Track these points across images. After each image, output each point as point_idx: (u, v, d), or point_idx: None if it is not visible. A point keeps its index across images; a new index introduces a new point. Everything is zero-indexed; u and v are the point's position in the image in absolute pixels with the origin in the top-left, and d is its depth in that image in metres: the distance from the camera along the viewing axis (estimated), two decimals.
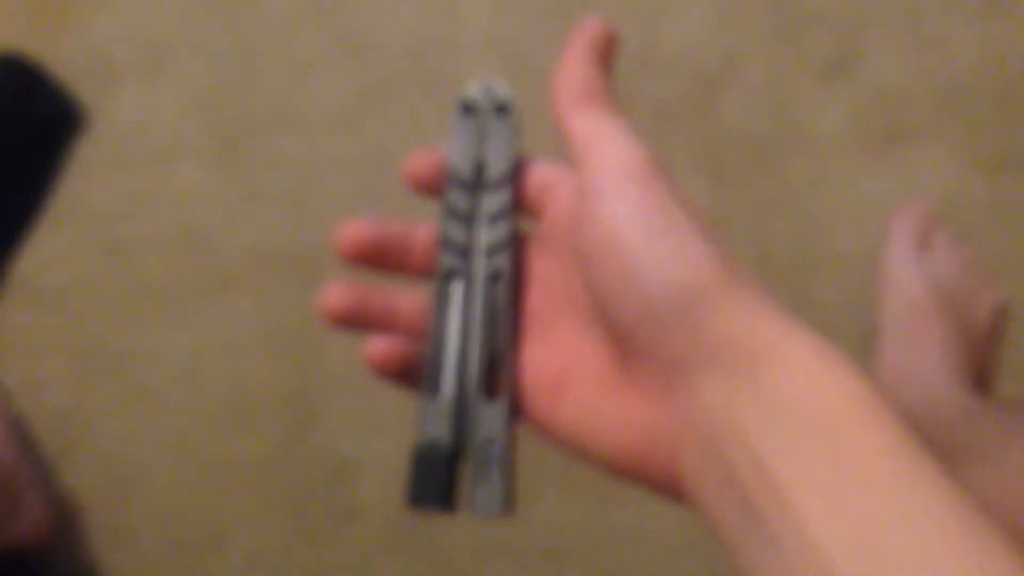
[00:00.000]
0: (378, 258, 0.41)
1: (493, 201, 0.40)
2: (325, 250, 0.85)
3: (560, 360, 0.39)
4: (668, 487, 0.34)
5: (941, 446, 0.63)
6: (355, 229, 0.40)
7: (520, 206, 0.41)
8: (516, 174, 0.41)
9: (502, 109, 0.41)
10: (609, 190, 0.35)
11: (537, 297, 0.40)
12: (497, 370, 0.40)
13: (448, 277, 0.40)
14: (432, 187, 0.41)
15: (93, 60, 0.90)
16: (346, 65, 0.88)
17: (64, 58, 0.90)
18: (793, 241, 0.85)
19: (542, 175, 0.41)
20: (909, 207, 0.77)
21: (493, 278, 0.40)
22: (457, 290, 0.40)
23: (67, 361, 0.87)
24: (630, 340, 0.34)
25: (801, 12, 0.86)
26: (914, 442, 0.29)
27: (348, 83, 0.88)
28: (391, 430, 0.84)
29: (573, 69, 0.38)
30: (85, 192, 0.89)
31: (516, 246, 0.41)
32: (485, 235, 0.40)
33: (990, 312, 0.74)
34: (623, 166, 0.35)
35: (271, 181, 0.88)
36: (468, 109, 0.41)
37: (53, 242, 0.88)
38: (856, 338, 0.83)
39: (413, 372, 0.41)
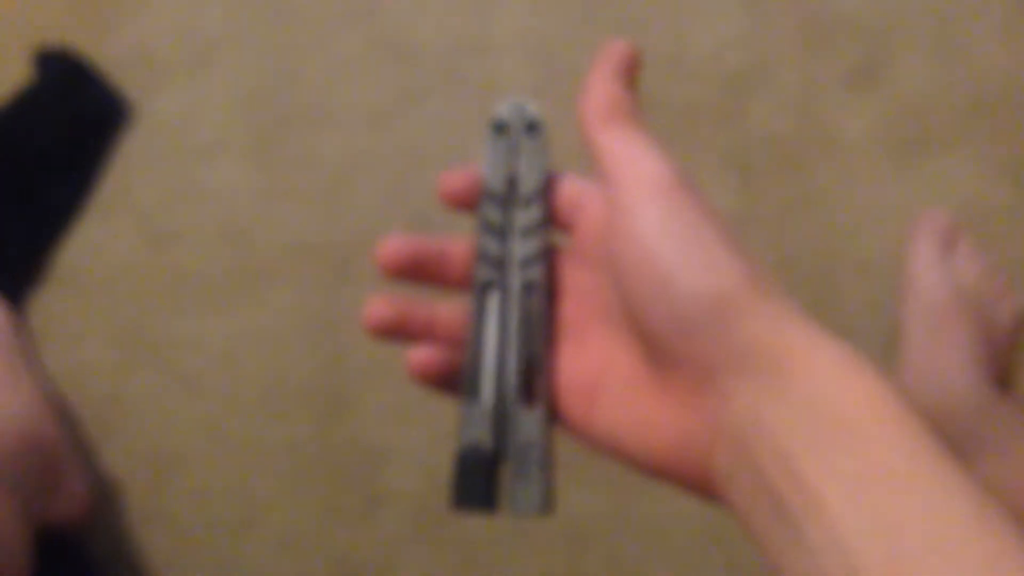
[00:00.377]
0: (417, 272, 0.42)
1: (526, 216, 0.42)
2: (359, 245, 0.87)
3: (594, 367, 0.40)
4: (700, 486, 0.35)
5: (960, 438, 0.64)
6: (394, 245, 0.42)
7: (552, 220, 0.42)
8: (547, 189, 0.42)
9: (532, 128, 0.42)
10: (638, 206, 0.36)
11: (570, 307, 0.41)
12: (534, 377, 0.41)
13: (484, 289, 0.41)
14: (466, 203, 0.42)
15: (138, 57, 0.91)
16: (383, 66, 0.90)
17: (110, 55, 0.92)
18: (818, 245, 0.85)
19: (572, 190, 0.42)
20: (933, 214, 0.78)
21: (527, 289, 0.41)
22: (493, 301, 0.41)
23: (109, 348, 0.88)
24: (662, 347, 0.35)
25: (830, 19, 0.87)
26: (935, 441, 0.30)
27: (385, 83, 0.89)
28: (420, 420, 0.85)
29: (600, 89, 0.39)
30: (128, 184, 0.90)
31: (549, 258, 0.42)
32: (519, 248, 0.41)
33: (1012, 316, 0.74)
34: (651, 182, 0.36)
35: (309, 177, 0.89)
36: (500, 128, 0.43)
37: (97, 232, 0.90)
38: (880, 339, 0.83)
39: (453, 379, 0.42)
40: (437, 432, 0.85)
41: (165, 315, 0.88)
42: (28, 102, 0.90)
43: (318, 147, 0.89)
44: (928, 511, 0.28)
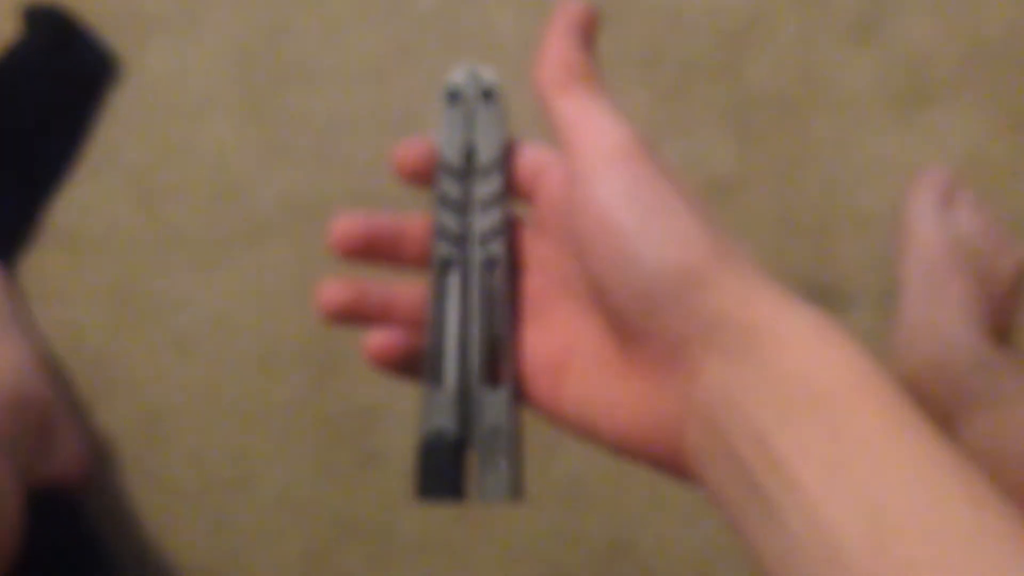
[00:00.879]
0: (372, 251, 0.40)
1: (485, 187, 0.39)
2: (353, 203, 0.86)
3: (560, 343, 0.38)
4: (673, 465, 0.34)
5: (956, 391, 0.63)
6: (346, 224, 0.40)
7: (512, 191, 0.40)
8: (506, 159, 0.40)
9: (488, 94, 0.40)
10: (598, 173, 0.34)
11: (534, 282, 0.40)
12: (498, 357, 0.39)
13: (444, 266, 0.39)
14: (422, 177, 0.40)
15: (127, 12, 0.90)
16: (376, 21, 0.88)
17: (99, 10, 0.90)
18: (817, 199, 0.84)
19: (533, 159, 0.40)
20: (933, 167, 0.77)
21: (489, 265, 0.39)
22: (454, 279, 0.39)
23: (103, 307, 0.87)
24: (628, 322, 0.34)
25: None
26: (913, 411, 0.28)
27: (378, 39, 0.88)
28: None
29: (555, 50, 0.37)
30: (119, 142, 0.89)
31: (510, 232, 0.40)
32: (478, 222, 0.39)
33: (1012, 270, 0.73)
34: (610, 148, 0.34)
35: (301, 133, 0.88)
36: (454, 96, 0.40)
37: (89, 190, 0.89)
38: (878, 293, 0.83)
39: (414, 363, 0.40)
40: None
41: (158, 274, 0.87)
42: (16, 59, 0.89)
43: (311, 104, 0.88)
44: (908, 485, 0.27)
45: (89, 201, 0.88)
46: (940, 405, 0.63)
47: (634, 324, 0.33)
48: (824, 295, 0.83)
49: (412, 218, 0.40)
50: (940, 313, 0.68)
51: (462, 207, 0.40)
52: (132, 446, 0.87)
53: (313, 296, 0.89)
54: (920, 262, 0.72)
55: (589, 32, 0.38)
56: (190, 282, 0.87)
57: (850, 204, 0.84)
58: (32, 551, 0.64)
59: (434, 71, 0.89)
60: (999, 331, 0.70)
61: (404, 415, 0.85)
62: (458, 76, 0.41)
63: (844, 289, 0.83)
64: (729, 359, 0.31)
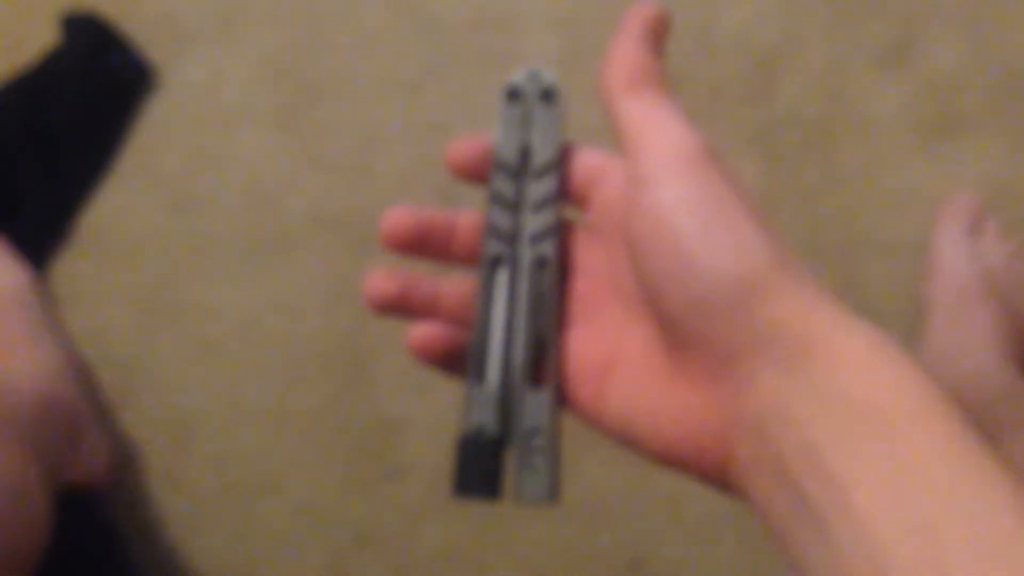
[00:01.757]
0: (422, 245, 0.40)
1: (539, 188, 0.39)
2: (382, 215, 0.87)
3: (606, 348, 0.38)
4: (717, 477, 0.33)
5: (980, 419, 0.64)
6: (398, 216, 0.39)
7: (566, 193, 0.40)
8: (561, 161, 0.39)
9: (547, 95, 0.40)
10: (662, 177, 0.33)
11: (583, 285, 0.39)
12: (542, 358, 0.39)
13: (494, 264, 0.39)
14: (476, 174, 0.40)
15: (165, 22, 0.91)
16: (409, 37, 0.89)
17: (137, 20, 0.92)
18: (844, 225, 0.84)
19: (588, 162, 0.39)
20: (960, 196, 0.78)
21: (538, 265, 0.39)
22: (502, 277, 0.39)
23: (131, 312, 0.88)
24: (681, 329, 0.33)
25: None
26: (972, 433, 0.28)
27: (410, 54, 0.89)
28: (438, 391, 0.85)
29: (625, 53, 0.36)
30: (153, 150, 0.90)
31: (561, 233, 0.39)
32: (530, 222, 0.39)
33: None
34: (676, 153, 0.34)
35: (333, 146, 0.89)
36: (514, 95, 0.40)
37: (121, 197, 0.90)
38: (903, 319, 0.83)
39: (456, 359, 0.40)
40: (455, 403, 0.85)
41: (187, 281, 0.88)
42: (54, 66, 0.90)
43: (342, 116, 0.89)
44: (964, 510, 0.26)
45: (121, 207, 0.90)
46: None
47: (687, 331, 0.33)
48: None
49: (463, 214, 0.40)
50: (965, 341, 0.68)
51: (515, 206, 0.39)
52: (157, 450, 0.88)
53: (341, 305, 0.89)
54: (946, 289, 0.72)
55: (660, 36, 0.37)
56: (219, 289, 0.88)
57: (876, 230, 0.84)
58: (57, 551, 0.65)
59: (466, 86, 0.91)
60: (1023, 360, 0.70)
61: (429, 428, 0.86)
62: (519, 76, 0.41)
63: (868, 315, 0.84)
64: (783, 371, 0.30)
